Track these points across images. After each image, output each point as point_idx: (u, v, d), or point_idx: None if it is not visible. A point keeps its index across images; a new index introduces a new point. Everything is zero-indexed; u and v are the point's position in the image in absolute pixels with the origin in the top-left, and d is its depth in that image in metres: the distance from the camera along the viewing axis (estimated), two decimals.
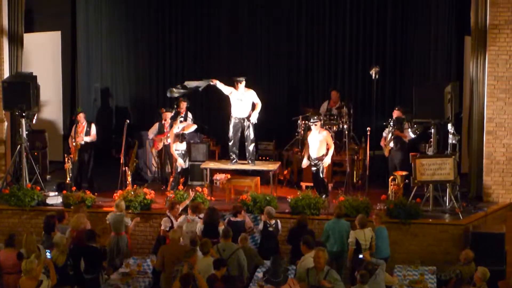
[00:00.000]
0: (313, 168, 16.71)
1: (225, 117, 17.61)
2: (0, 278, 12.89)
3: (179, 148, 17.08)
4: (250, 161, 17.32)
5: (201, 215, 14.65)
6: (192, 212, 14.58)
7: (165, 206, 15.73)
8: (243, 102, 17.07)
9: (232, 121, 17.22)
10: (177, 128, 17.11)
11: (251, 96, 17.13)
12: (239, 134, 17.29)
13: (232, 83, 17.12)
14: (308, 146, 16.74)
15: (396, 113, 17.39)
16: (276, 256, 12.25)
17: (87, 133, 17.60)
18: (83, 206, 15.27)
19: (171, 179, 17.24)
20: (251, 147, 17.27)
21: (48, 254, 12.26)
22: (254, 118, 17.09)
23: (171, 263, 12.78)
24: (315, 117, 16.97)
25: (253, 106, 17.16)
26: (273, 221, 14.59)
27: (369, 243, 13.65)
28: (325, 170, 16.78)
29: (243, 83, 17.06)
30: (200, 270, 12.37)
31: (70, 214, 14.98)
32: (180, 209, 15.03)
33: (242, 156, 17.60)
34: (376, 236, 13.88)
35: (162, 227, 14.75)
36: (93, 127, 17.71)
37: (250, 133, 17.18)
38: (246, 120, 17.13)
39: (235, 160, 17.39)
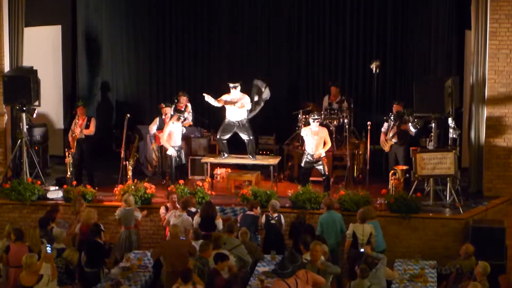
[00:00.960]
0: (319, 167, 16.70)
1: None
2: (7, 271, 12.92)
3: (173, 144, 17.02)
4: (251, 156, 17.34)
5: (192, 209, 14.76)
6: (182, 208, 14.60)
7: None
8: (237, 106, 17.13)
9: (226, 122, 17.29)
10: (172, 123, 17.05)
11: (244, 100, 17.15)
12: (228, 136, 17.38)
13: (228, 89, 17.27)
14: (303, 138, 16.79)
15: (396, 108, 17.39)
16: (290, 249, 12.32)
17: (87, 127, 17.58)
18: (80, 199, 15.28)
19: (167, 177, 17.29)
20: (250, 144, 17.30)
21: (48, 248, 12.26)
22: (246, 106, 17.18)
23: (172, 258, 12.78)
24: (315, 114, 16.97)
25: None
26: (275, 215, 14.64)
27: (366, 238, 13.65)
28: (326, 167, 16.78)
29: (238, 88, 17.11)
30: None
31: (70, 208, 15.04)
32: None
33: (242, 150, 17.63)
34: None
35: (162, 216, 15.09)
36: (93, 121, 17.68)
37: (249, 133, 17.21)
38: (239, 122, 17.17)
39: (226, 156, 17.43)
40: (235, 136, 17.53)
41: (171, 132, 17.01)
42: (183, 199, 14.83)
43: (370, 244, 13.46)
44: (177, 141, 17.10)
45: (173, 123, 17.07)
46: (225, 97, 17.24)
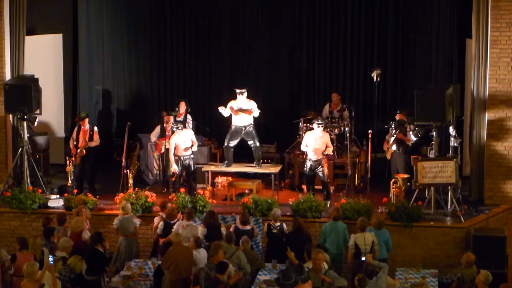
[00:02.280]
0: (320, 173, 16.73)
1: (226, 119, 17.58)
2: (8, 279, 12.93)
3: (180, 154, 16.96)
4: (256, 163, 17.31)
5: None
6: (187, 218, 14.58)
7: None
8: (243, 110, 17.11)
9: (232, 128, 17.24)
10: (177, 135, 16.96)
11: (252, 106, 17.14)
12: (236, 142, 17.30)
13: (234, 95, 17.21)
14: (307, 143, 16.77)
15: (399, 117, 17.41)
16: (299, 261, 12.26)
17: (91, 138, 17.50)
18: (82, 208, 15.28)
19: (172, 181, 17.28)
20: (257, 151, 17.30)
21: (50, 258, 12.25)
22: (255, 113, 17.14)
23: (178, 266, 12.77)
24: (319, 119, 16.99)
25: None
26: (277, 224, 14.62)
27: (369, 247, 13.63)
28: (326, 171, 16.80)
29: (245, 94, 17.09)
30: None
31: (72, 217, 15.02)
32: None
33: (243, 158, 17.58)
34: None
35: (155, 224, 14.97)
36: (96, 130, 17.63)
37: (255, 140, 17.18)
38: (246, 127, 17.14)
39: (228, 165, 17.40)
40: (238, 143, 17.45)
41: (177, 145, 16.91)
42: (187, 211, 14.77)
43: (373, 253, 13.46)
44: (183, 151, 17.00)
45: (178, 134, 16.94)
46: (232, 104, 17.16)
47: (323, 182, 16.85)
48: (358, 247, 13.66)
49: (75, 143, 17.47)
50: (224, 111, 17.18)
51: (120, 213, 14.96)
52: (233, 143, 17.30)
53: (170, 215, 14.74)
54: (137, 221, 14.91)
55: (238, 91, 17.13)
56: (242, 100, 17.14)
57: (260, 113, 17.20)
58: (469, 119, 17.09)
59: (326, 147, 16.69)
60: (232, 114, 17.19)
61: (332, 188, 17.59)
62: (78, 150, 17.34)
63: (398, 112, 17.55)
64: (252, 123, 17.24)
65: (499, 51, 16.21)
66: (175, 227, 14.51)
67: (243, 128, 17.18)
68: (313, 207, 15.71)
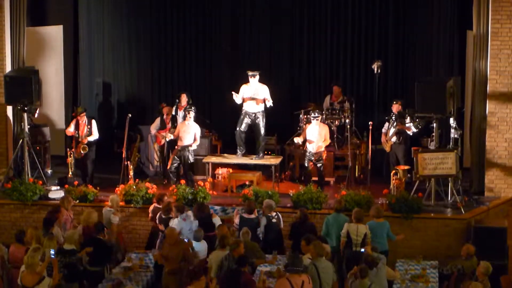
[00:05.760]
0: (319, 164, 16.76)
1: (227, 111, 17.57)
2: (7, 272, 12.97)
3: (180, 145, 16.95)
4: (257, 155, 17.28)
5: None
6: (179, 211, 14.49)
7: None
8: (255, 98, 17.03)
9: (243, 113, 17.16)
10: (187, 123, 16.93)
11: (264, 92, 17.03)
12: (246, 126, 17.20)
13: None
14: (306, 135, 16.80)
15: (395, 107, 17.39)
16: (295, 253, 12.28)
17: (89, 132, 17.41)
18: (67, 197, 15.27)
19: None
20: (260, 142, 17.27)
21: (52, 252, 12.22)
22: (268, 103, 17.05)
23: (175, 259, 12.80)
24: (317, 112, 16.98)
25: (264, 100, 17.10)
26: (274, 213, 14.62)
27: (361, 239, 13.60)
28: (325, 166, 16.85)
29: (257, 77, 16.98)
30: (213, 261, 12.49)
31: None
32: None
33: (249, 151, 17.58)
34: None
35: (151, 215, 14.97)
36: (94, 124, 17.53)
37: (260, 128, 17.14)
38: (256, 114, 17.07)
39: (244, 152, 17.35)
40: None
41: (181, 136, 16.85)
42: (177, 206, 14.70)
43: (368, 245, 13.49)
44: (186, 141, 16.93)
45: (187, 123, 16.90)
46: (244, 88, 17.01)
47: (320, 174, 16.85)
48: (350, 237, 13.66)
49: (76, 136, 17.38)
50: (237, 98, 17.03)
51: (108, 204, 14.98)
52: (244, 128, 17.17)
53: (166, 210, 14.70)
54: (116, 219, 14.75)
55: (250, 73, 16.95)
56: (254, 84, 16.99)
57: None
58: (470, 110, 17.10)
59: (324, 140, 16.72)
60: (244, 98, 17.02)
61: (332, 180, 17.62)
62: (81, 149, 17.29)
63: (394, 102, 17.52)
64: (263, 110, 17.09)
65: (500, 43, 16.21)
66: (175, 223, 14.39)
67: (253, 115, 17.10)
68: (313, 199, 15.72)
